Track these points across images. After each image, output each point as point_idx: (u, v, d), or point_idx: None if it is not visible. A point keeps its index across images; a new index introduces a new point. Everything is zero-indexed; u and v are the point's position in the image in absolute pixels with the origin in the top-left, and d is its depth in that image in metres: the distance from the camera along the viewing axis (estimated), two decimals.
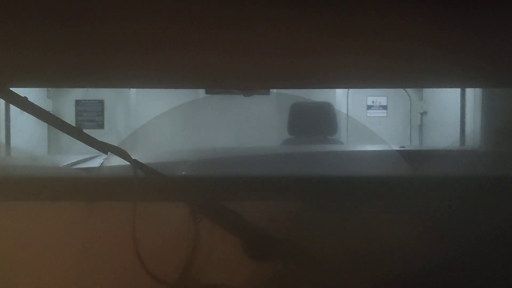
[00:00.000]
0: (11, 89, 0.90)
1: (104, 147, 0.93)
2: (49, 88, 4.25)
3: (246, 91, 1.25)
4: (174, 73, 0.94)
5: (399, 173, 1.08)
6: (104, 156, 1.10)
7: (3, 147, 3.22)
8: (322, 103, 2.61)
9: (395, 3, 0.59)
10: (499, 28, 0.67)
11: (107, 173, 1.09)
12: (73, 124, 0.95)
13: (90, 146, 0.92)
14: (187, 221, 0.91)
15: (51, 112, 0.95)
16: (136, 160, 0.91)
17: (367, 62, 0.84)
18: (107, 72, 0.94)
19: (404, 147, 1.41)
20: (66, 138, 0.93)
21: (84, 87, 4.40)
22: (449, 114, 3.68)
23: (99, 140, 0.92)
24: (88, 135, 0.92)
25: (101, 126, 4.71)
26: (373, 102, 5.14)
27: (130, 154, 0.91)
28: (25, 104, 0.89)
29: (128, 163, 0.91)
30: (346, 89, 4.84)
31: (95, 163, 1.17)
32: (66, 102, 4.67)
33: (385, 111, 5.17)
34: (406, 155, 1.18)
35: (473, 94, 3.25)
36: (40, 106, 0.90)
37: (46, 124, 0.96)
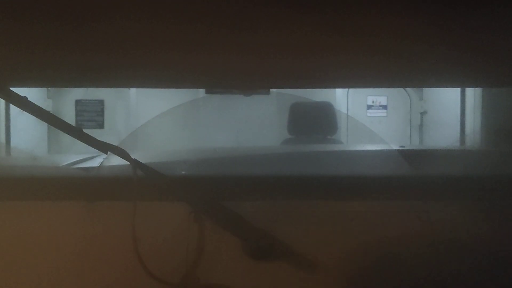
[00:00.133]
0: (11, 89, 0.90)
1: (104, 147, 0.93)
2: (49, 88, 4.25)
3: (246, 91, 1.25)
4: (174, 73, 0.94)
5: (399, 173, 1.08)
6: (104, 155, 1.10)
7: (3, 147, 3.23)
8: (322, 102, 2.61)
9: (395, 3, 0.59)
10: (499, 28, 0.67)
11: (107, 172, 1.09)
12: (73, 124, 0.95)
13: (90, 145, 0.92)
14: (187, 221, 0.91)
15: (51, 112, 0.95)
16: (136, 159, 0.91)
17: (367, 62, 0.84)
18: (107, 72, 0.94)
19: (404, 146, 1.41)
20: (66, 138, 0.93)
21: (84, 87, 4.38)
22: (449, 114, 3.68)
23: (99, 139, 0.92)
24: (88, 134, 0.92)
25: (101, 126, 4.71)
26: (373, 101, 5.15)
27: (130, 153, 0.91)
28: (25, 104, 0.89)
29: (128, 162, 0.91)
30: (346, 89, 4.84)
31: (95, 163, 1.17)
32: (66, 102, 4.67)
33: (385, 110, 5.17)
34: (406, 155, 1.18)
35: (473, 94, 3.25)
36: (40, 106, 0.90)
37: (46, 124, 0.96)
